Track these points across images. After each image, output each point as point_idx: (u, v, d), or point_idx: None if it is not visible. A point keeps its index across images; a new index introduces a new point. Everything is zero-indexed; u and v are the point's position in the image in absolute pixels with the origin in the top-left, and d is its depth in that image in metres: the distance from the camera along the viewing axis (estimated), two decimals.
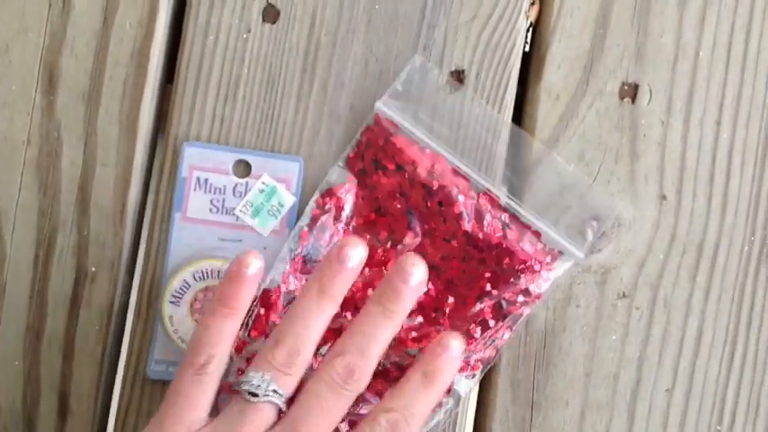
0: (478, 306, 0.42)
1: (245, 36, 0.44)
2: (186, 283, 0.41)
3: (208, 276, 0.41)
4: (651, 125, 0.45)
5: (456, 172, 0.43)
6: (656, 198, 0.45)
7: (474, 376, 0.43)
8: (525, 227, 0.43)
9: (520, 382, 0.44)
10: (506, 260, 0.42)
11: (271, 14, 0.44)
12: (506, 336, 0.43)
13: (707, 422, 0.44)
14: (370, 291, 0.42)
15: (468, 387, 0.43)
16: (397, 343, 0.42)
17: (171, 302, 0.41)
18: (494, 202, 0.43)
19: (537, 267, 0.42)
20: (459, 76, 0.45)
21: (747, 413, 0.44)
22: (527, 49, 0.46)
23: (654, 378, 0.44)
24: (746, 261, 0.45)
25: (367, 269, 0.43)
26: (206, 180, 0.43)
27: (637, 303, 0.44)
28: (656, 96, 0.45)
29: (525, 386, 0.44)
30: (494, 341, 0.43)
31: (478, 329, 0.43)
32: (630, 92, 0.45)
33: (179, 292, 0.41)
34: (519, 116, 0.46)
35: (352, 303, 0.41)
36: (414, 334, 0.42)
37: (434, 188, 0.43)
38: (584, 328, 0.44)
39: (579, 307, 0.44)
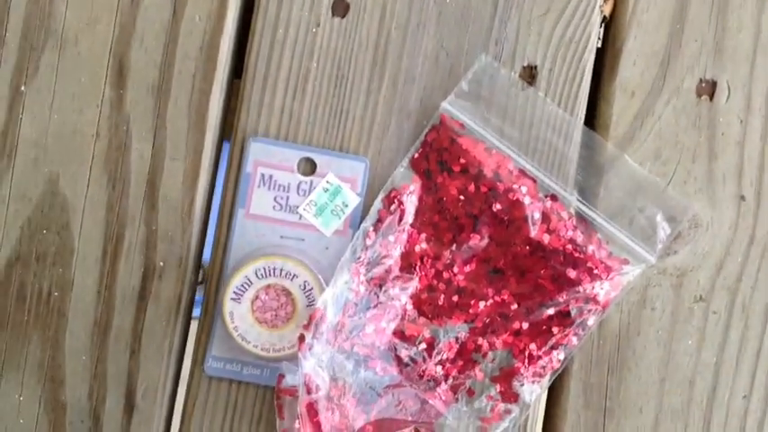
0: (544, 312, 0.41)
1: (314, 30, 0.43)
2: (248, 280, 0.40)
3: (270, 274, 0.40)
4: (729, 123, 0.43)
5: (523, 174, 0.42)
6: (735, 199, 0.43)
7: (540, 382, 0.42)
8: (593, 232, 0.42)
9: (592, 387, 0.43)
10: (572, 266, 0.41)
11: (340, 8, 0.44)
12: (574, 341, 0.42)
13: None
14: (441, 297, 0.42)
15: (535, 394, 0.42)
16: (462, 349, 0.42)
17: (232, 299, 0.40)
18: (561, 205, 0.42)
19: (604, 275, 0.41)
20: (531, 72, 0.44)
21: None
22: (599, 44, 0.45)
23: (731, 384, 0.43)
24: None
25: (433, 271, 0.42)
26: (270, 177, 0.42)
27: (714, 307, 0.43)
28: (734, 94, 0.44)
29: (598, 391, 0.43)
30: (561, 347, 0.42)
31: (543, 336, 0.42)
32: (708, 89, 0.44)
33: (240, 289, 0.40)
34: (592, 113, 0.45)
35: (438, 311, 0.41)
36: (479, 340, 0.42)
37: (500, 190, 0.42)
38: (660, 331, 0.43)
39: (654, 310, 0.43)
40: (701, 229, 0.43)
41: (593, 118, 0.44)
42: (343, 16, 0.44)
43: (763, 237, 0.43)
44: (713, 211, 0.43)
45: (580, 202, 0.42)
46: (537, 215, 0.42)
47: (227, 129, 0.45)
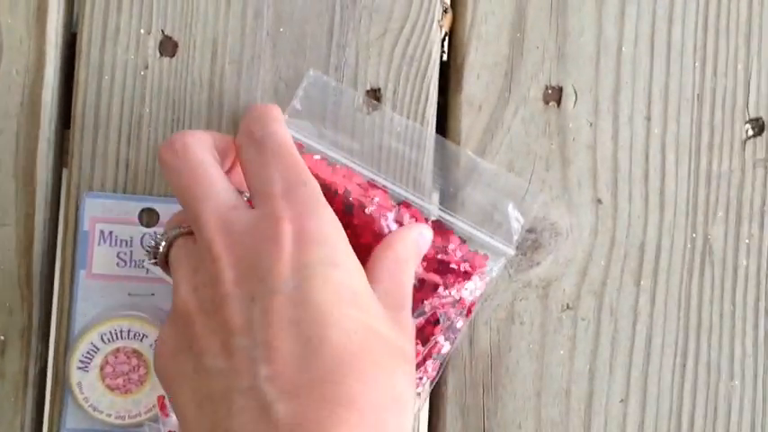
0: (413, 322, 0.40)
1: (142, 73, 0.41)
2: (94, 346, 0.38)
3: (117, 337, 0.38)
4: (579, 128, 0.43)
5: (373, 185, 0.41)
6: (592, 203, 0.43)
7: (419, 395, 0.41)
8: (449, 232, 0.41)
9: (469, 409, 0.42)
10: (434, 270, 0.40)
11: (168, 47, 0.41)
12: (447, 347, 0.41)
13: (665, 430, 0.42)
14: None
15: (417, 406, 0.41)
16: None
17: (79, 368, 0.38)
18: (417, 211, 0.41)
19: (468, 273, 0.40)
20: (375, 95, 0.42)
21: (706, 416, 0.43)
22: (445, 58, 0.44)
23: (607, 390, 0.43)
24: (690, 260, 0.43)
25: None
26: (111, 232, 0.40)
27: (582, 314, 0.43)
28: (581, 98, 0.43)
29: (475, 413, 0.42)
30: (433, 357, 0.41)
31: (418, 344, 0.40)
32: (555, 95, 0.43)
33: (87, 357, 0.38)
34: (442, 130, 0.44)
35: None
36: None
37: (352, 203, 0.40)
38: (531, 345, 0.42)
39: (523, 324, 0.42)
40: (562, 237, 0.43)
41: (444, 135, 0.43)
42: (173, 56, 0.41)
43: (623, 239, 0.43)
44: (572, 217, 0.43)
45: (441, 209, 0.41)
46: (393, 224, 0.40)
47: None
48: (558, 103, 0.43)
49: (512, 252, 0.40)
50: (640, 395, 0.43)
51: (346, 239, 0.33)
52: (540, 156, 0.43)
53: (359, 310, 0.30)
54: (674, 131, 0.43)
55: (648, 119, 0.43)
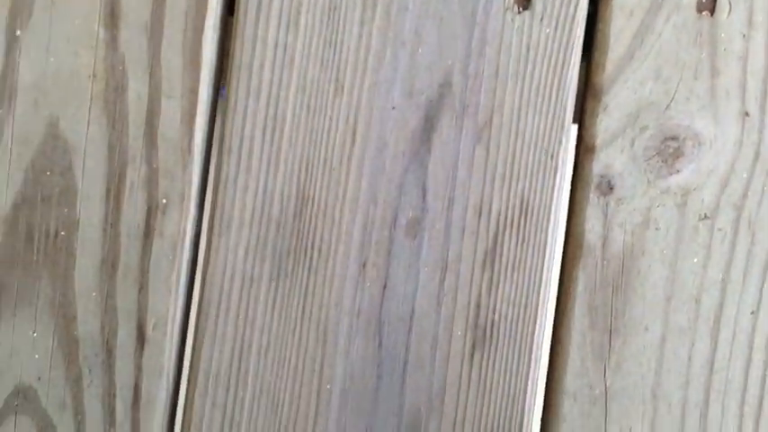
0: None
1: None
2: None
3: None
4: (731, 39, 0.43)
5: None
6: (739, 115, 0.43)
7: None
8: None
9: (597, 309, 0.43)
10: None
11: None
12: None
13: None
14: None
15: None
16: None
17: None
18: None
19: None
20: None
21: None
22: None
23: (738, 301, 0.43)
24: None
25: None
26: None
27: (719, 225, 0.43)
28: (735, 8, 0.43)
29: (603, 312, 0.43)
30: None
31: None
32: (709, 4, 0.43)
33: None
34: (591, 34, 0.44)
35: None
36: None
37: None
38: (665, 251, 0.43)
39: (659, 230, 0.43)
40: (705, 147, 0.43)
41: (592, 39, 0.44)
42: None
43: (767, 153, 0.43)
44: (716, 127, 0.43)
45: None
46: None
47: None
48: (712, 12, 0.43)
49: None
50: None
51: None
52: (689, 65, 0.43)
53: None
54: None
55: None
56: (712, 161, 0.43)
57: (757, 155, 0.43)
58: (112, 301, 0.43)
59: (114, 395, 0.43)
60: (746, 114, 0.43)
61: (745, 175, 0.43)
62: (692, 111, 0.43)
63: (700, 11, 0.43)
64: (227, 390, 0.43)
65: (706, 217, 0.43)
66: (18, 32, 0.43)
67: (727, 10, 0.43)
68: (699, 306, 0.43)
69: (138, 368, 0.43)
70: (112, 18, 0.43)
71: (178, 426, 0.44)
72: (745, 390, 0.42)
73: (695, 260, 0.43)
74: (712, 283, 0.43)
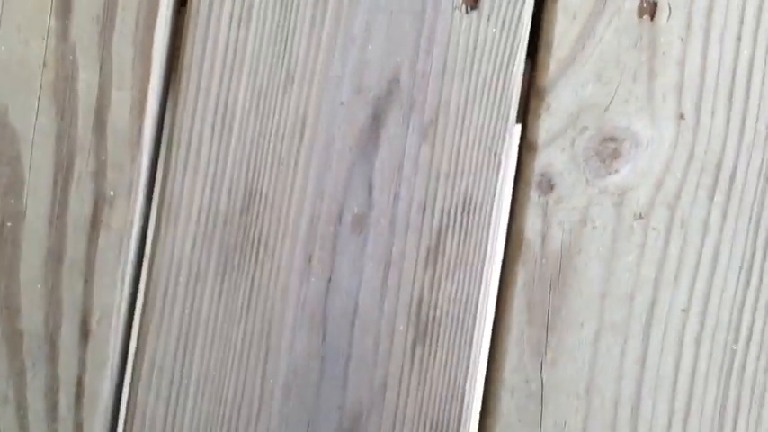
0: None
1: None
2: None
3: None
4: (670, 43, 0.44)
5: None
6: (675, 117, 0.44)
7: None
8: None
9: (535, 305, 0.44)
10: None
11: None
12: None
13: (723, 341, 0.44)
14: None
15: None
16: None
17: None
18: None
19: None
20: None
21: (764, 332, 0.44)
22: None
23: (670, 299, 0.44)
24: (765, 180, 0.44)
25: None
26: None
27: (654, 224, 0.44)
28: (675, 13, 0.44)
29: (541, 308, 0.44)
30: None
31: None
32: (649, 9, 0.44)
33: None
34: (535, 36, 0.45)
35: None
36: None
37: None
38: (600, 249, 0.44)
39: (596, 228, 0.44)
40: (642, 148, 0.44)
41: (536, 41, 0.45)
42: None
43: (701, 154, 0.44)
44: (653, 129, 0.44)
45: None
46: None
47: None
48: (652, 16, 0.44)
49: None
50: (702, 306, 0.44)
51: None
52: (629, 67, 0.44)
53: None
54: (762, 54, 0.44)
55: (739, 39, 0.44)
56: (648, 162, 0.44)
57: (691, 156, 0.44)
58: (57, 294, 0.43)
59: (58, 389, 0.43)
60: (682, 116, 0.44)
61: (678, 176, 0.44)
62: (630, 112, 0.44)
63: (641, 15, 0.44)
64: (171, 382, 0.44)
65: (641, 216, 0.44)
66: None
67: (666, 15, 0.44)
68: (632, 303, 0.44)
69: (82, 362, 0.43)
70: (64, 8, 0.43)
71: (121, 420, 0.45)
72: (675, 384, 0.44)
73: (630, 258, 0.44)
74: (645, 282, 0.44)
